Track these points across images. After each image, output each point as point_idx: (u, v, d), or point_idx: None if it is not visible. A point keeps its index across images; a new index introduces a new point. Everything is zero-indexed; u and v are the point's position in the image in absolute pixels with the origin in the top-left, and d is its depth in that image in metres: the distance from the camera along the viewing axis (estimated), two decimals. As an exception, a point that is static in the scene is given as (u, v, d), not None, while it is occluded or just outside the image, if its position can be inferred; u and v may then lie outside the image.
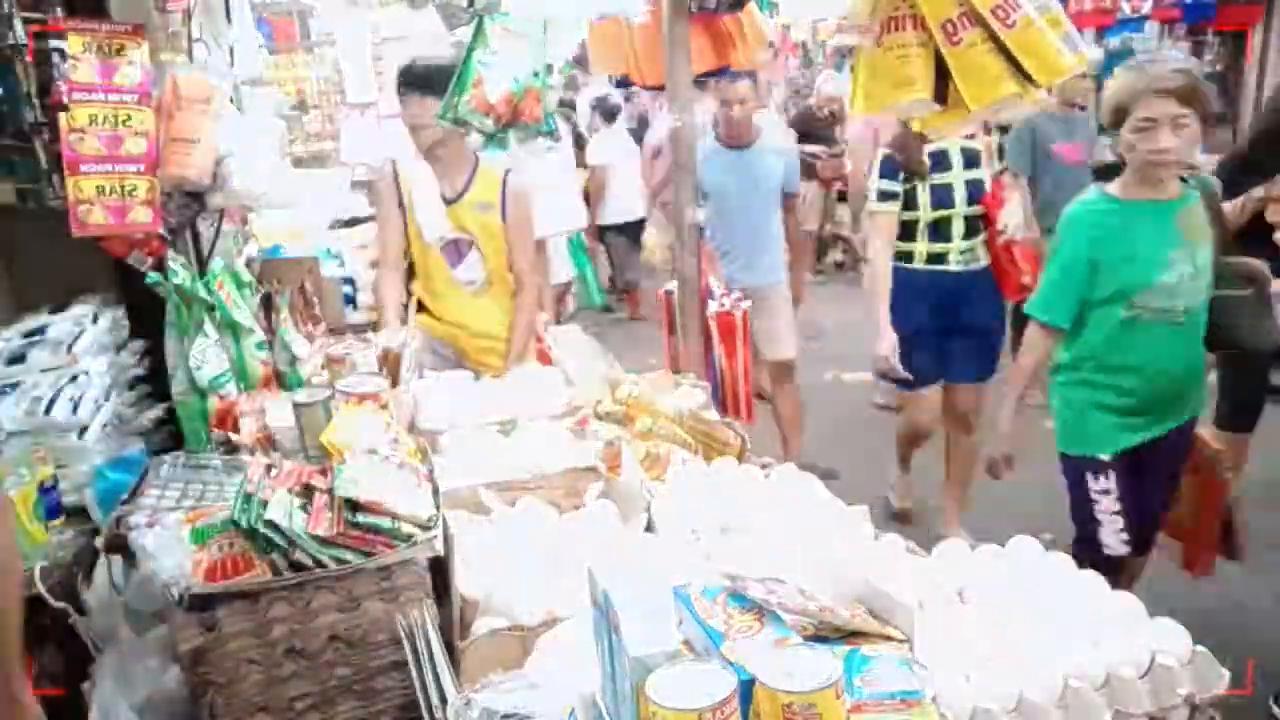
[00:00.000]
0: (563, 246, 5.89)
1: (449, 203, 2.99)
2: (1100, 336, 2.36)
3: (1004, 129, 4.56)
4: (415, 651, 1.28)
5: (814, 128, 7.49)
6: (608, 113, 6.94)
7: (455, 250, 3.00)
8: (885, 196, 3.24)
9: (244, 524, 1.42)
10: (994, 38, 2.31)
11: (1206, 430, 2.63)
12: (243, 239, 3.21)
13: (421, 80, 2.84)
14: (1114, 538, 2.40)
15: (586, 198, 6.58)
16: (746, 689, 0.89)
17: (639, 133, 7.40)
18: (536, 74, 2.55)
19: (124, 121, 2.17)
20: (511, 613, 1.44)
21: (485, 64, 2.52)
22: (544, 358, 2.97)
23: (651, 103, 7.46)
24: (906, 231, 3.27)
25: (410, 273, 3.13)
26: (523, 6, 2.65)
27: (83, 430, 2.17)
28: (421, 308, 3.02)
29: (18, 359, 2.30)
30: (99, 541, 1.76)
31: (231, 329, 2.35)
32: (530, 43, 2.56)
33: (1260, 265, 2.50)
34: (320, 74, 6.65)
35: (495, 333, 3.05)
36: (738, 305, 3.41)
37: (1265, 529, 3.07)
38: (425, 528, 1.43)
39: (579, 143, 6.79)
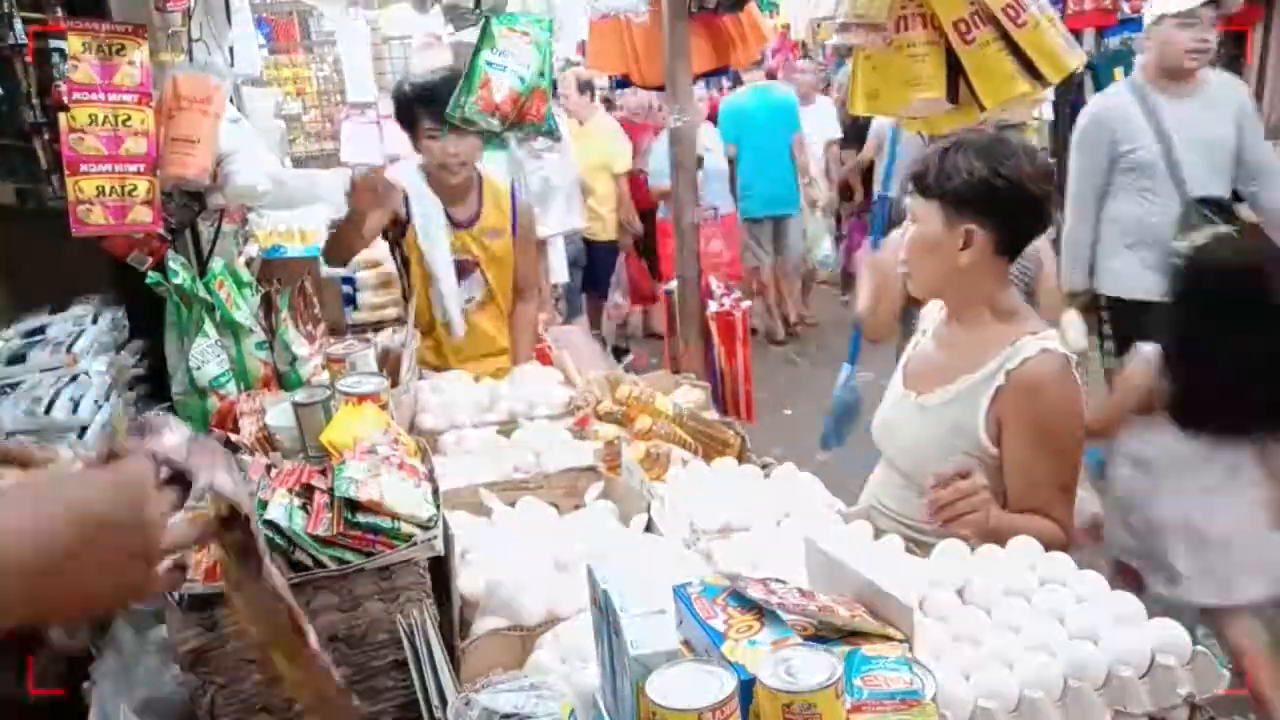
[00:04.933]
0: (561, 246, 5.89)
1: (460, 227, 2.91)
2: None
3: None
4: (415, 651, 1.28)
5: None
6: None
7: (458, 271, 2.95)
8: None
9: (244, 524, 1.42)
10: (1005, 36, 2.31)
11: None
12: (243, 239, 3.20)
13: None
14: None
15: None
16: (746, 689, 0.89)
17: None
18: (542, 74, 2.56)
19: (124, 121, 2.16)
20: (511, 613, 1.44)
21: (492, 65, 2.53)
22: (544, 358, 2.97)
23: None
24: None
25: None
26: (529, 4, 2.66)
27: (83, 430, 2.17)
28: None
29: (18, 359, 2.30)
30: (99, 541, 1.75)
31: (231, 329, 2.34)
32: (535, 43, 2.57)
33: None
34: (320, 74, 6.65)
35: (486, 349, 3.00)
36: (737, 305, 3.41)
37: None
38: (425, 528, 1.43)
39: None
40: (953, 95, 2.44)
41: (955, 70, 2.40)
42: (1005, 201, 1.73)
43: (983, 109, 2.40)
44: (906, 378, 1.95)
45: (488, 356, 3.00)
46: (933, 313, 1.99)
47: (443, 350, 2.97)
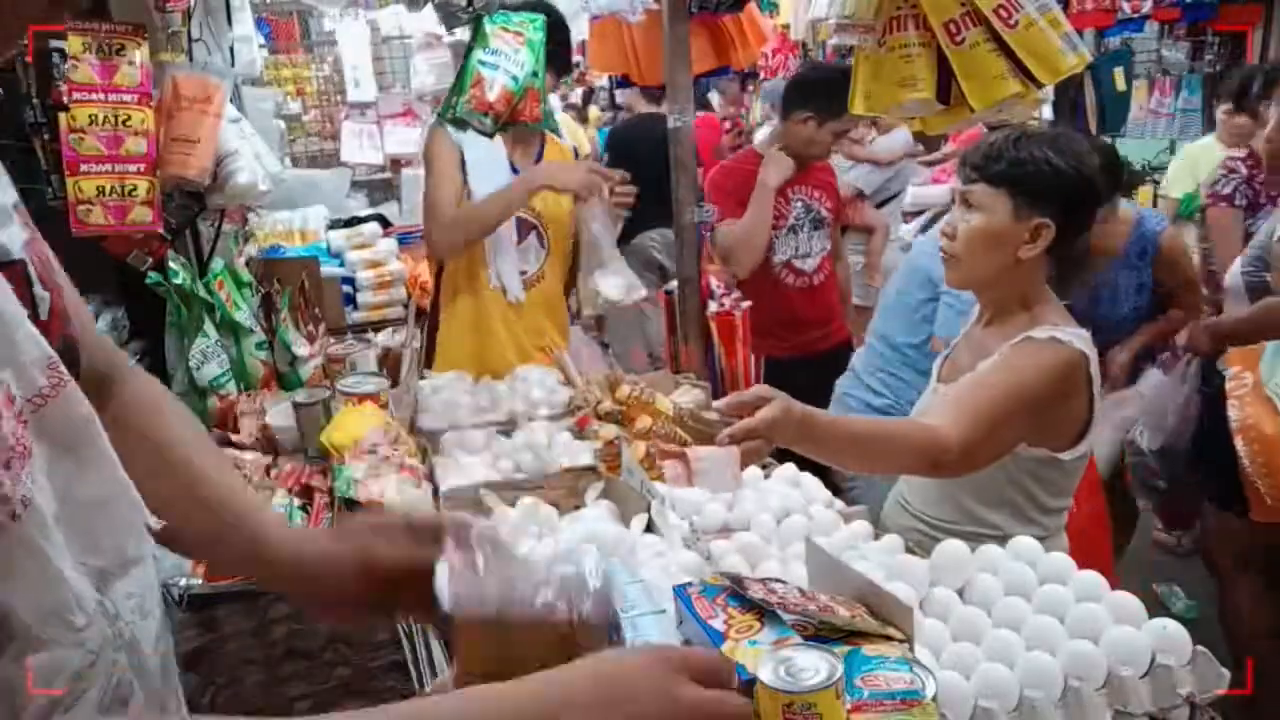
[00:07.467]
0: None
1: (520, 174, 2.62)
2: None
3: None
4: (415, 651, 1.28)
5: None
6: None
7: (516, 231, 2.64)
8: None
9: (244, 524, 1.42)
10: (996, 37, 2.30)
11: None
12: (243, 239, 3.20)
13: None
14: None
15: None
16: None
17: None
18: (535, 73, 2.55)
19: (124, 121, 2.17)
20: (511, 613, 1.44)
21: (485, 64, 2.52)
22: (544, 357, 2.95)
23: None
24: None
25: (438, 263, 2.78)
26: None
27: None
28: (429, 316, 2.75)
29: (18, 359, 2.29)
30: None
31: (231, 329, 2.35)
32: (529, 42, 2.56)
33: None
34: (320, 74, 6.65)
35: (535, 341, 2.71)
36: (738, 305, 3.41)
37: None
38: (425, 528, 1.43)
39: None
40: (944, 96, 2.44)
41: (947, 71, 2.40)
42: (1080, 198, 1.70)
43: (971, 110, 2.41)
44: (941, 374, 1.94)
45: (538, 349, 2.67)
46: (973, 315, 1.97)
47: (487, 325, 2.65)
